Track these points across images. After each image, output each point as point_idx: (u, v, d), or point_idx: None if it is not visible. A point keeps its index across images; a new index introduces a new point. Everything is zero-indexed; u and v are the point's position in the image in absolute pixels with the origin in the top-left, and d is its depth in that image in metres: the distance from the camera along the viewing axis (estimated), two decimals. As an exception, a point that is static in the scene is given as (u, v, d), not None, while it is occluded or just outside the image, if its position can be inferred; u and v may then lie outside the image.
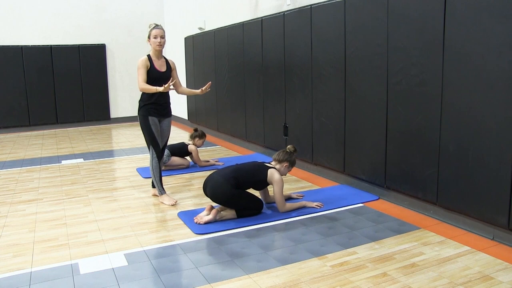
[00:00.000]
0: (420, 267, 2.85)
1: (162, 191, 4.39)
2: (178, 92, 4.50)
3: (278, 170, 3.91)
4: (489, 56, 3.14)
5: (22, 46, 9.57)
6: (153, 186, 4.59)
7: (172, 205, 4.27)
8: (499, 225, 3.20)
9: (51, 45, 9.84)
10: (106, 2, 10.37)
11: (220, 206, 3.82)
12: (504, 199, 3.12)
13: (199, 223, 3.68)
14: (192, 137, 5.82)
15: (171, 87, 4.16)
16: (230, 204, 3.79)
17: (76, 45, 10.07)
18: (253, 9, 6.72)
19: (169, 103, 4.39)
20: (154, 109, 4.23)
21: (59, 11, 9.98)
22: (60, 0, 9.96)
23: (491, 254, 3.02)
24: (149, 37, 4.23)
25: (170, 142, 5.47)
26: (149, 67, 4.17)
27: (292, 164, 4.02)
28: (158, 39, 4.20)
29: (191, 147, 5.72)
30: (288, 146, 4.09)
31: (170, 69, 4.35)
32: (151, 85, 4.12)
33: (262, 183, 3.90)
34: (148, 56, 4.23)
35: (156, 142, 4.28)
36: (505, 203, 3.12)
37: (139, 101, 4.30)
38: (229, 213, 3.79)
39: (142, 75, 4.14)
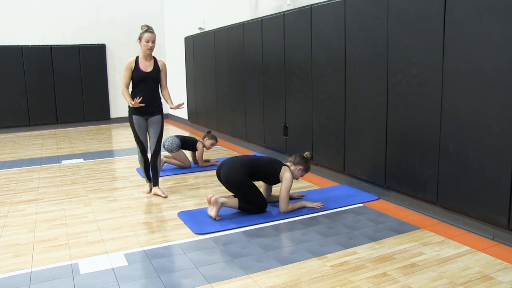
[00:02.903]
0: (420, 267, 2.85)
1: (147, 180, 4.75)
2: (161, 92, 4.62)
3: (291, 171, 3.96)
4: (489, 56, 3.14)
5: (22, 46, 9.57)
6: (154, 185, 4.63)
7: (146, 192, 4.70)
8: (499, 225, 3.20)
9: (51, 45, 9.84)
10: (106, 2, 10.37)
11: (224, 198, 3.83)
12: (504, 199, 3.12)
13: (216, 220, 3.78)
14: (203, 137, 5.90)
15: (141, 103, 4.31)
16: (239, 191, 3.87)
17: (76, 45, 10.07)
18: (253, 9, 6.72)
19: (155, 103, 4.49)
20: (136, 108, 4.36)
21: (59, 11, 9.98)
22: (60, 0, 9.96)
23: (491, 254, 3.02)
24: (140, 39, 4.39)
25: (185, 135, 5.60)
26: (133, 68, 4.35)
27: (306, 170, 4.09)
28: (150, 44, 4.36)
29: (198, 145, 5.80)
30: (306, 153, 4.16)
31: (158, 70, 4.47)
32: (136, 85, 4.39)
33: (274, 177, 3.97)
34: (137, 57, 4.42)
35: (138, 139, 4.54)
36: (505, 203, 3.12)
37: None
38: (232, 201, 3.84)
39: (125, 78, 4.41)
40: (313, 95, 5.15)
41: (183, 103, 4.58)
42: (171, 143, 5.57)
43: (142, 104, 4.29)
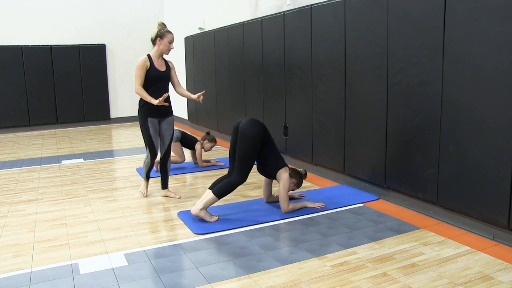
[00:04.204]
0: (420, 267, 2.85)
1: (145, 178, 4.58)
2: (176, 91, 4.49)
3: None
4: (489, 56, 3.14)
5: (22, 46, 9.57)
6: (164, 188, 4.59)
7: (143, 194, 4.57)
8: (499, 225, 3.20)
9: (51, 45, 9.84)
10: (106, 2, 10.37)
11: (200, 204, 3.75)
12: (504, 199, 3.12)
13: (215, 221, 3.76)
14: (203, 139, 5.88)
15: (165, 101, 4.15)
16: (242, 146, 3.75)
17: (76, 45, 10.07)
18: (253, 9, 6.73)
19: (169, 103, 4.37)
20: (153, 109, 4.22)
21: (59, 11, 9.98)
22: (60, 0, 9.96)
23: (491, 254, 3.02)
24: (161, 38, 4.17)
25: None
26: (148, 67, 4.15)
27: (298, 184, 4.11)
28: (172, 45, 4.24)
29: (197, 145, 5.79)
30: (301, 169, 4.17)
31: (169, 69, 4.35)
32: (151, 84, 4.17)
33: (272, 167, 3.93)
34: (149, 55, 4.21)
35: (153, 144, 4.32)
36: (505, 203, 3.12)
37: (139, 101, 4.29)
38: (209, 199, 3.74)
39: (140, 77, 4.13)
40: (313, 95, 5.15)
41: (204, 91, 4.45)
42: None
43: (166, 104, 4.16)
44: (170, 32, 4.21)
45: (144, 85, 4.17)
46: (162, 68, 4.27)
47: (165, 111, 4.34)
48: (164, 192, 4.58)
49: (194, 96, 4.38)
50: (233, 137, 3.91)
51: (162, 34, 4.17)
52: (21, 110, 9.70)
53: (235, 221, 3.76)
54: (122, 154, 6.96)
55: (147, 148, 4.34)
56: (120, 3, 10.50)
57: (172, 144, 5.64)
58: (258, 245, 3.28)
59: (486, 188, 3.25)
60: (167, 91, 4.26)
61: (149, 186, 4.98)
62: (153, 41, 4.23)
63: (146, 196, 4.56)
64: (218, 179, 3.89)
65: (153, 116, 4.26)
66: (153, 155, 4.36)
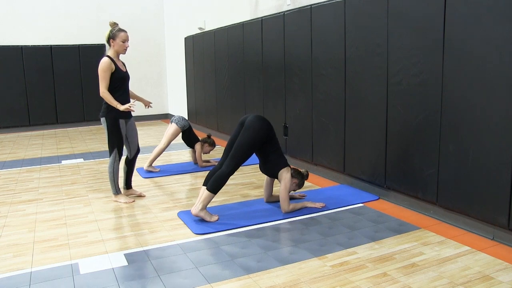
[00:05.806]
0: (420, 267, 2.85)
1: (118, 190, 4.41)
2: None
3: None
4: (489, 56, 3.14)
5: (22, 46, 9.57)
6: (127, 188, 4.55)
7: (130, 201, 4.37)
8: (499, 225, 3.20)
9: (51, 45, 9.84)
10: (106, 2, 10.37)
11: (199, 205, 3.75)
12: (504, 199, 3.12)
13: (215, 221, 3.76)
14: (203, 141, 5.89)
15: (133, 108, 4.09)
16: (244, 136, 3.77)
17: (76, 45, 10.07)
18: (253, 9, 6.72)
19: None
20: (123, 111, 4.12)
21: (59, 11, 9.98)
22: (60, 0, 9.96)
23: (491, 254, 3.02)
24: (113, 38, 4.09)
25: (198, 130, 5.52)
26: (114, 69, 4.06)
27: (299, 185, 4.12)
28: (127, 44, 4.14)
29: (197, 145, 5.82)
30: (303, 170, 4.19)
31: (126, 69, 4.33)
32: (118, 87, 4.11)
33: (274, 167, 3.95)
34: (109, 57, 4.09)
35: (122, 145, 4.28)
36: (505, 203, 3.12)
37: (105, 103, 4.13)
38: (206, 197, 3.73)
39: (106, 80, 4.03)
40: (313, 95, 5.15)
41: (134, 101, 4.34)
42: (181, 119, 5.80)
43: (133, 109, 4.08)
44: (122, 31, 4.10)
45: (111, 87, 4.08)
46: (124, 68, 4.24)
47: (130, 112, 4.26)
48: (128, 192, 4.55)
49: (142, 101, 4.51)
50: (236, 131, 3.93)
51: (114, 35, 4.08)
52: (21, 110, 9.69)
53: (235, 221, 3.76)
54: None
55: (115, 150, 4.21)
56: (120, 3, 10.49)
57: (173, 128, 5.69)
58: (258, 245, 3.28)
59: (486, 188, 3.25)
60: (131, 111, 4.15)
61: (147, 185, 5.00)
62: (108, 43, 4.14)
63: (134, 200, 4.42)
64: (209, 172, 3.89)
65: (122, 117, 4.19)
66: (121, 156, 4.30)
